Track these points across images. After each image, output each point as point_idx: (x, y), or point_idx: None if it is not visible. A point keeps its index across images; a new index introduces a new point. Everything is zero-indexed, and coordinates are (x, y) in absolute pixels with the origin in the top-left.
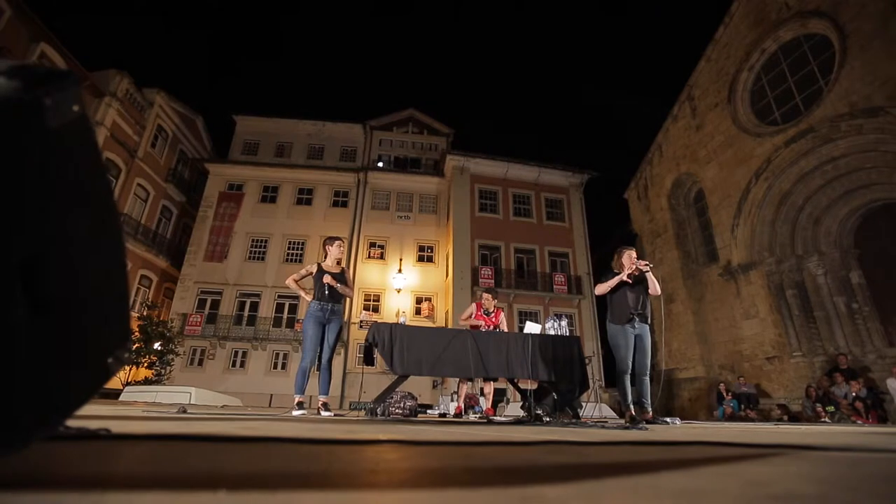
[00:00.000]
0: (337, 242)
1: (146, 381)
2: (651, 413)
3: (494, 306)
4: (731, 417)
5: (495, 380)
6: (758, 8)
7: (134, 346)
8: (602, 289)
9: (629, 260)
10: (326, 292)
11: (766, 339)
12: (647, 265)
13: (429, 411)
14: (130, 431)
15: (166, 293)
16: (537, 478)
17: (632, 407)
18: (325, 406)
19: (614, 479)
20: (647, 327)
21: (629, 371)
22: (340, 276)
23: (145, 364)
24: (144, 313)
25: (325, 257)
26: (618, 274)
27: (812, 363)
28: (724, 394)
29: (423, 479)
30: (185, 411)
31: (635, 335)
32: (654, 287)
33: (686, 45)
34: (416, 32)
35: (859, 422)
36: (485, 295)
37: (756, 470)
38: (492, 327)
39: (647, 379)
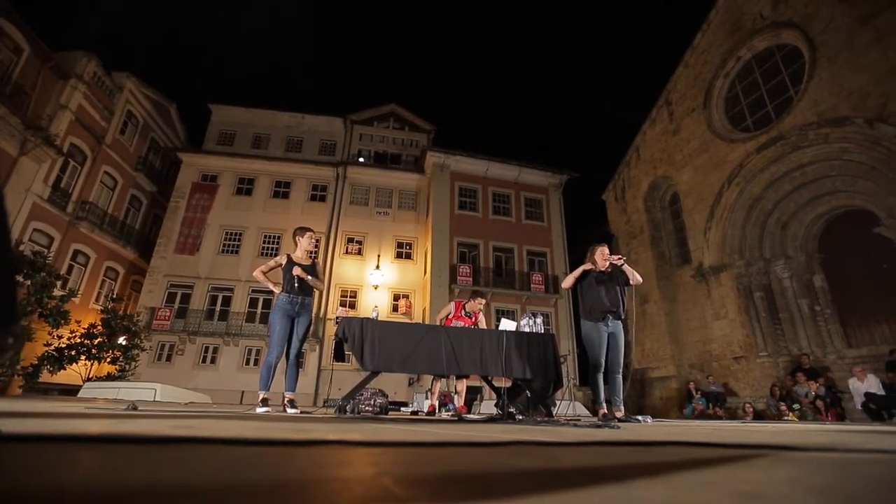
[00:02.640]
0: (308, 234)
1: (109, 377)
2: (623, 411)
3: (480, 308)
4: (700, 415)
5: (467, 377)
6: (734, 16)
7: (96, 341)
8: (567, 281)
9: (601, 256)
10: (296, 284)
11: (735, 339)
12: (620, 259)
13: (402, 409)
14: (29, 431)
15: (134, 286)
16: (491, 489)
17: (604, 405)
18: (292, 403)
19: (581, 490)
20: (621, 325)
21: (602, 369)
22: (311, 269)
23: (108, 359)
24: (109, 306)
25: (296, 248)
26: (587, 269)
27: (777, 363)
28: (694, 392)
29: (348, 493)
30: (135, 408)
31: (609, 333)
32: (634, 277)
33: (666, 50)
34: (399, 27)
35: (819, 419)
36: (478, 299)
37: (741, 476)
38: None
39: (620, 377)
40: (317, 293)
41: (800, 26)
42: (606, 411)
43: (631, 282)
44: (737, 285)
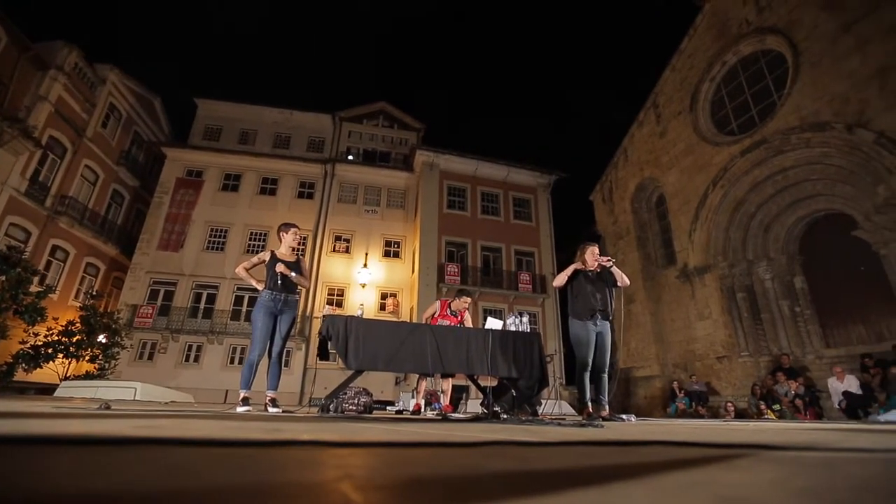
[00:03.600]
0: (293, 230)
1: (87, 376)
2: (608, 410)
3: (467, 307)
4: (683, 414)
5: (452, 376)
6: (721, 21)
7: (75, 339)
8: (559, 279)
9: (591, 256)
10: (279, 281)
11: (717, 339)
12: (609, 260)
13: (388, 408)
14: None
15: (115, 283)
16: (459, 494)
17: (590, 404)
18: (273, 402)
19: (556, 494)
20: (609, 325)
21: (589, 368)
22: (295, 265)
23: (87, 357)
24: (88, 303)
25: (281, 245)
26: (578, 268)
27: (758, 363)
28: (678, 391)
29: (299, 502)
30: (108, 408)
31: (596, 332)
32: (622, 279)
33: (655, 53)
34: (389, 24)
35: (798, 417)
36: (464, 298)
37: (724, 478)
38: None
39: (606, 376)
40: (302, 291)
41: (784, 32)
42: (592, 410)
43: (619, 283)
44: (720, 286)
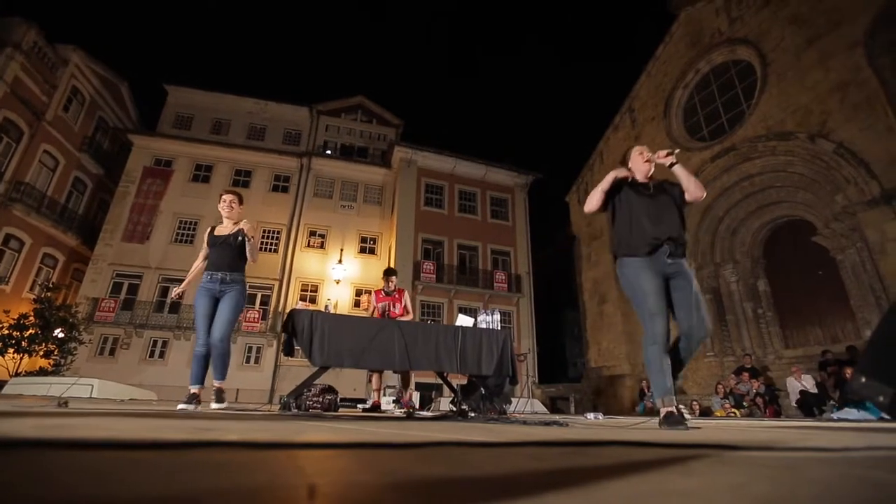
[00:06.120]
0: (223, 196)
1: (41, 372)
2: (675, 403)
3: (395, 286)
4: (651, 413)
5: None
6: (695, 30)
7: (28, 333)
8: (593, 199)
9: (640, 157)
10: (215, 259)
11: None
12: (669, 154)
13: (358, 405)
14: None
15: (75, 275)
16: None
17: (675, 397)
18: (220, 394)
19: None
20: (686, 264)
21: (662, 335)
22: (233, 238)
23: (41, 353)
24: (43, 295)
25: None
26: (621, 176)
27: (722, 363)
28: (646, 390)
29: None
30: (67, 404)
31: (667, 274)
32: (694, 188)
33: (630, 59)
34: (372, 19)
35: (757, 415)
36: (391, 277)
37: (677, 485)
38: (396, 305)
39: (696, 344)
40: (254, 274)
41: (754, 43)
42: (673, 409)
43: (688, 196)
44: None
